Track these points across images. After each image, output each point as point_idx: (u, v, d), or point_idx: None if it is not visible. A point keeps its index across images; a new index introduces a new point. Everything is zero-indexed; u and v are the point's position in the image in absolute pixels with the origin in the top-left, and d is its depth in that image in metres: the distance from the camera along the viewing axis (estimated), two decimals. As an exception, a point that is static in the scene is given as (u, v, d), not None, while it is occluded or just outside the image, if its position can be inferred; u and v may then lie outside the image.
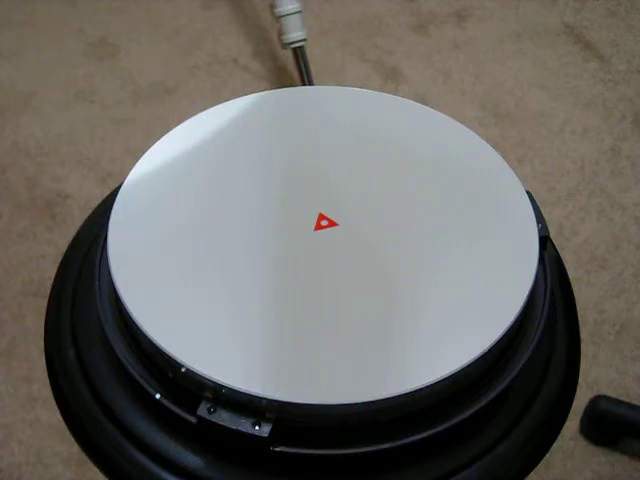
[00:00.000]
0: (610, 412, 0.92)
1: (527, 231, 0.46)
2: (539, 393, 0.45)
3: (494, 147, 0.50)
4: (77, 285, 0.49)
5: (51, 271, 0.51)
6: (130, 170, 0.49)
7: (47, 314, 0.49)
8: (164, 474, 0.40)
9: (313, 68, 1.39)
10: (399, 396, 0.38)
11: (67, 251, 0.52)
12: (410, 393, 0.38)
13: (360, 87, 0.57)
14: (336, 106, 0.56)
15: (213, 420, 0.37)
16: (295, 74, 1.43)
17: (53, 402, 0.46)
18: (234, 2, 1.76)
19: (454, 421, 0.40)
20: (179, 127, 0.53)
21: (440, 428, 0.40)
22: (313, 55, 1.48)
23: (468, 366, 0.39)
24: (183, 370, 0.38)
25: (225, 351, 0.40)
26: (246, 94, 0.57)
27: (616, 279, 1.24)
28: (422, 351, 0.41)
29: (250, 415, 0.37)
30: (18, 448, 1.05)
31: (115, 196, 0.47)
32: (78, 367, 0.45)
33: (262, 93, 0.57)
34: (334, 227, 0.46)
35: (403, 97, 0.56)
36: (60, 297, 0.49)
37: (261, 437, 0.37)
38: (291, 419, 0.38)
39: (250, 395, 0.37)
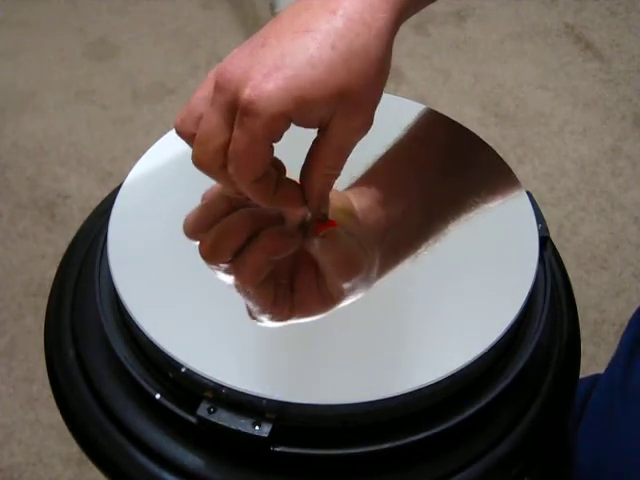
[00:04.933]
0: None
1: (527, 231, 0.46)
2: (539, 393, 0.45)
3: (494, 147, 0.50)
4: (77, 285, 0.49)
5: (51, 271, 0.51)
6: (130, 170, 0.49)
7: (47, 314, 0.49)
8: (164, 474, 0.40)
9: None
10: (399, 396, 0.38)
11: (67, 251, 0.52)
12: (410, 393, 0.38)
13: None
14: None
15: (213, 420, 0.37)
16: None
17: (53, 402, 0.46)
18: (234, 2, 1.76)
19: (454, 421, 0.40)
20: (179, 127, 0.53)
21: (440, 428, 0.40)
22: (313, 55, 1.47)
23: (468, 366, 0.39)
24: (183, 370, 0.38)
25: (225, 351, 0.40)
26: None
27: (616, 279, 1.24)
28: (422, 351, 0.41)
29: (250, 415, 0.37)
30: (18, 448, 1.05)
31: (115, 196, 0.47)
32: (78, 367, 0.45)
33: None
34: (334, 227, 0.46)
35: (403, 97, 0.55)
36: (60, 297, 0.49)
37: (261, 437, 0.37)
38: (291, 419, 0.38)
39: (250, 395, 0.37)
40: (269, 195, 0.37)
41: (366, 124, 0.36)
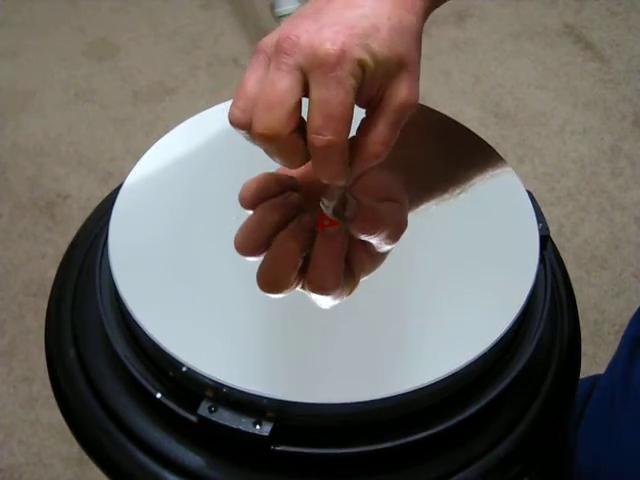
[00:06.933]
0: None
1: (528, 231, 0.46)
2: (539, 393, 0.45)
3: (494, 147, 0.50)
4: (78, 285, 0.49)
5: (51, 271, 0.51)
6: (130, 170, 0.49)
7: (47, 314, 0.49)
8: (165, 473, 0.40)
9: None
10: (399, 396, 0.38)
11: (67, 251, 0.52)
12: (410, 393, 0.38)
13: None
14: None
15: (214, 419, 0.37)
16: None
17: (53, 402, 0.46)
18: (234, 2, 1.76)
19: (454, 421, 0.40)
20: (179, 127, 0.53)
21: (440, 428, 0.40)
22: (313, 55, 1.47)
23: (468, 366, 0.39)
24: (184, 369, 0.38)
25: (226, 350, 0.40)
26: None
27: (616, 279, 1.24)
28: (422, 351, 0.41)
29: (251, 414, 0.37)
30: (18, 448, 1.05)
31: (115, 196, 0.47)
32: (79, 366, 0.45)
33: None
34: (335, 227, 0.46)
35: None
36: (60, 297, 0.49)
37: (262, 436, 0.37)
38: (292, 418, 0.38)
39: (251, 394, 0.37)
40: (346, 156, 0.36)
41: (415, 99, 0.37)
